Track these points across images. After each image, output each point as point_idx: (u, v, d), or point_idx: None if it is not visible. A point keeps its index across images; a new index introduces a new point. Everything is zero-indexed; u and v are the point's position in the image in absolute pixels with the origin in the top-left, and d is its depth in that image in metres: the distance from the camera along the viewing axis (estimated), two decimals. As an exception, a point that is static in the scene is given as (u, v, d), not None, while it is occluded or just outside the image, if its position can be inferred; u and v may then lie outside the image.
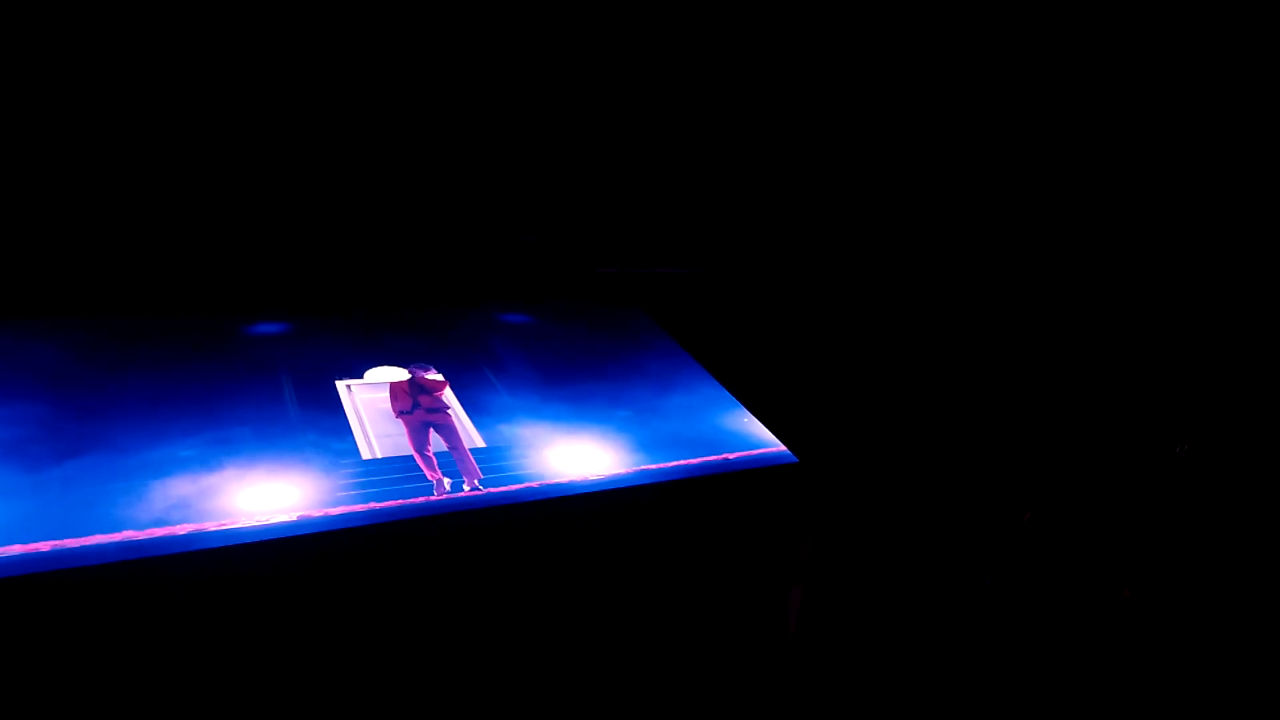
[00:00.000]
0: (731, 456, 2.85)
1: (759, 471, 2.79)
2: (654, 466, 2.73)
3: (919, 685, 2.83)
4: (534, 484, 2.55)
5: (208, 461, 2.34)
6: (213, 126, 2.95)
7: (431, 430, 2.71)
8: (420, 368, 2.95)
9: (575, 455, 2.73)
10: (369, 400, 2.79)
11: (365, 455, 2.55)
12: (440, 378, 2.94)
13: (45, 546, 1.93)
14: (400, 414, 2.74)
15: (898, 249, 4.16)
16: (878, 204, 4.07)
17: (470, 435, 2.74)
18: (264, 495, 2.27)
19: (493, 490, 2.50)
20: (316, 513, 2.26)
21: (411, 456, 2.59)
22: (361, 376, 2.90)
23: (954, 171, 4.01)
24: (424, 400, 2.82)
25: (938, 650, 3.03)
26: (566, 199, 3.61)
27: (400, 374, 2.94)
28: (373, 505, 2.33)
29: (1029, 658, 3.01)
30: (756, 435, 3.01)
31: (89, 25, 2.55)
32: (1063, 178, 3.92)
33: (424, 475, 2.51)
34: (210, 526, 2.12)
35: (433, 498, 2.42)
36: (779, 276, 4.08)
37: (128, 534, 2.01)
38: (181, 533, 2.06)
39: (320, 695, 2.04)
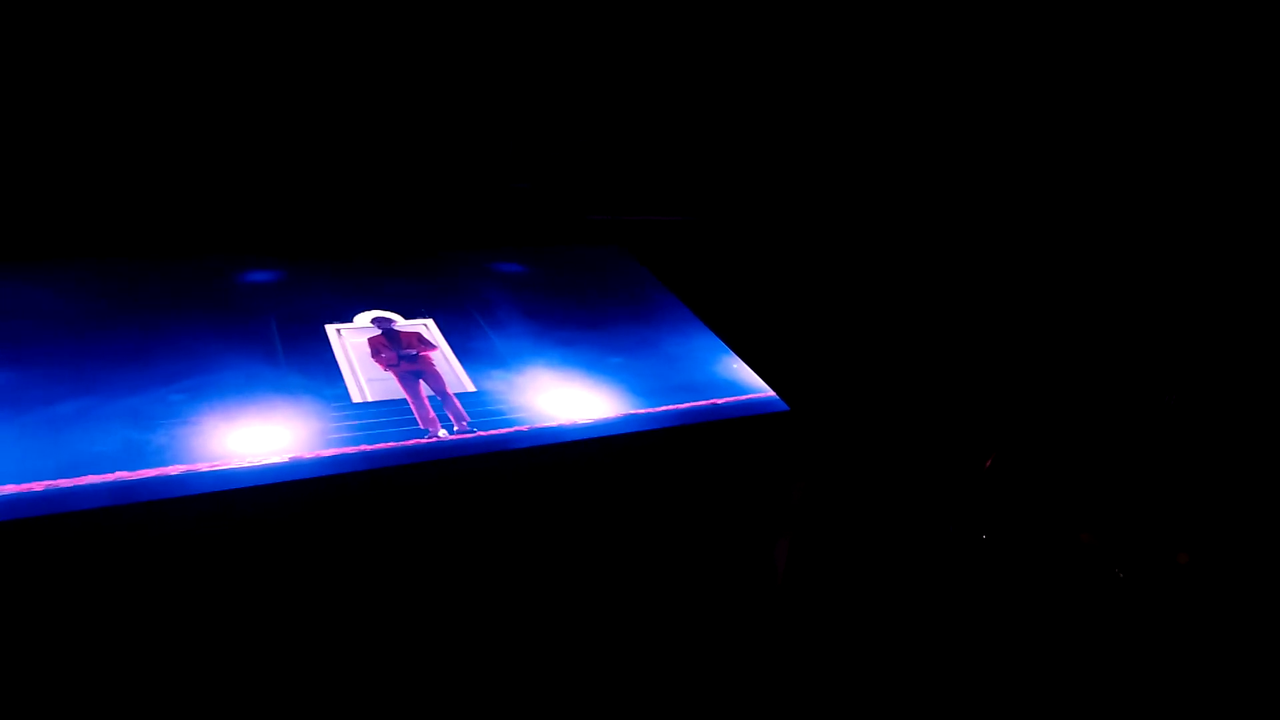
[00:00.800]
0: (721, 402, 2.87)
1: (749, 419, 2.81)
2: (644, 411, 2.74)
3: (903, 637, 2.89)
4: (523, 428, 2.57)
5: (198, 405, 2.35)
6: (211, 77, 2.90)
7: (420, 378, 2.72)
8: (386, 320, 2.94)
9: (566, 400, 2.74)
10: (359, 344, 2.79)
11: (356, 399, 2.56)
12: (413, 327, 2.93)
13: (38, 487, 1.95)
14: (387, 367, 2.75)
15: (889, 196, 4.13)
16: (869, 152, 4.03)
17: (460, 379, 2.75)
18: (255, 437, 2.29)
19: (481, 434, 2.53)
20: (308, 455, 2.28)
21: (402, 400, 2.60)
22: (352, 321, 2.90)
23: (943, 125, 3.96)
24: (403, 350, 2.83)
25: (918, 602, 3.10)
26: (558, 146, 3.56)
27: (388, 318, 2.94)
28: (364, 448, 2.36)
29: (998, 607, 3.08)
30: (747, 382, 3.03)
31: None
32: (1051, 140, 3.88)
33: (415, 420, 2.53)
34: (203, 467, 2.14)
35: (422, 440, 2.44)
36: (770, 224, 4.06)
37: (120, 474, 2.03)
38: (174, 473, 2.08)
39: (309, 640, 2.09)
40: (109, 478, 2.03)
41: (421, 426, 2.50)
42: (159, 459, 2.12)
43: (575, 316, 3.21)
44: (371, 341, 2.81)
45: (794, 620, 2.75)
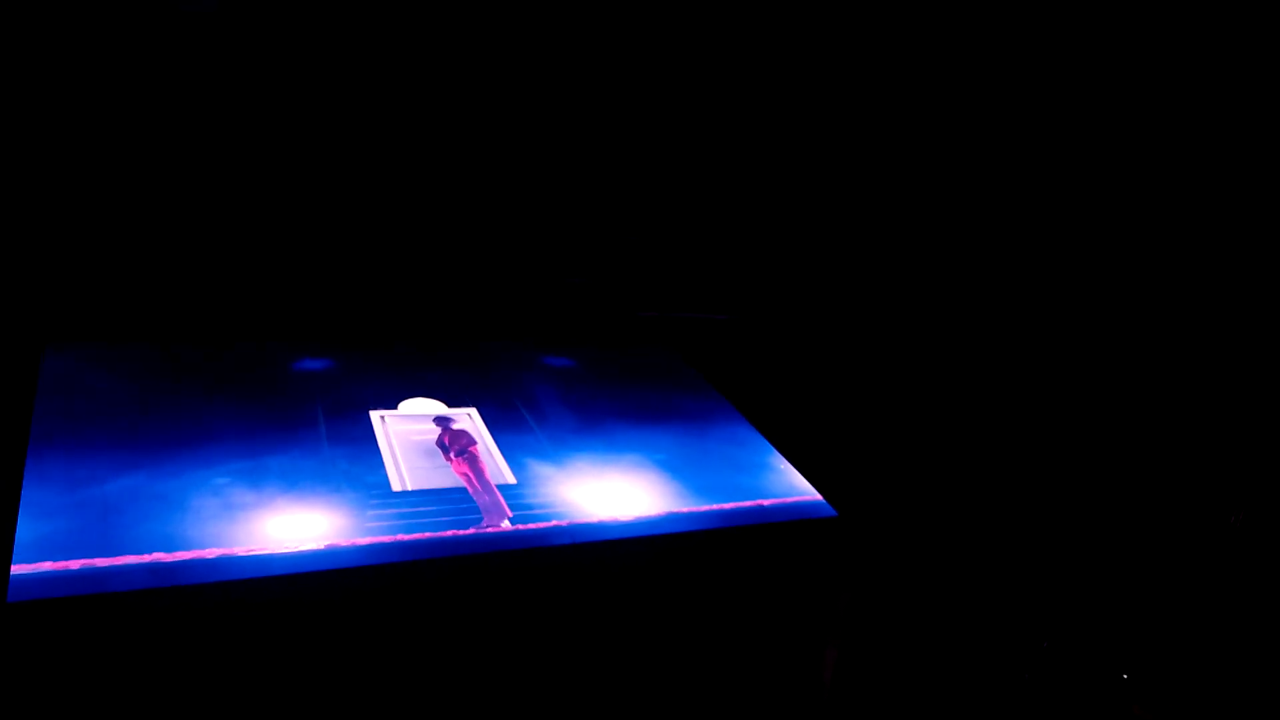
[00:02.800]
0: (767, 504, 2.78)
1: (795, 523, 2.71)
2: (688, 510, 2.67)
3: None
4: (562, 523, 2.51)
5: (241, 489, 2.35)
6: (267, 163, 3.04)
7: (473, 468, 2.69)
8: (446, 419, 2.93)
9: (608, 496, 2.68)
10: (402, 432, 2.79)
11: (396, 487, 2.53)
12: (465, 429, 2.92)
13: (74, 565, 1.93)
14: (446, 457, 2.73)
15: (937, 297, 4.10)
16: (916, 250, 4.03)
17: (502, 472, 2.72)
18: (294, 524, 2.27)
19: (521, 528, 2.47)
20: (344, 543, 2.24)
21: (441, 490, 2.57)
22: (396, 408, 2.91)
23: (985, 216, 3.96)
24: (459, 441, 2.82)
25: (974, 710, 2.90)
26: (610, 242, 3.63)
27: (433, 406, 2.94)
28: (401, 537, 2.31)
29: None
30: (794, 485, 2.94)
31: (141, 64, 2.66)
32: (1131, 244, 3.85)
33: (461, 509, 2.48)
34: (239, 551, 2.11)
35: (461, 532, 2.39)
36: (817, 324, 4.04)
37: (157, 555, 2.00)
38: (209, 556, 2.05)
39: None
40: (145, 559, 2.01)
41: (483, 515, 2.46)
42: (198, 542, 2.10)
43: (620, 412, 3.18)
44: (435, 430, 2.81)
45: None
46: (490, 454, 2.80)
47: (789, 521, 2.70)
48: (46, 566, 1.91)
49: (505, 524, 2.48)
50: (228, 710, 1.97)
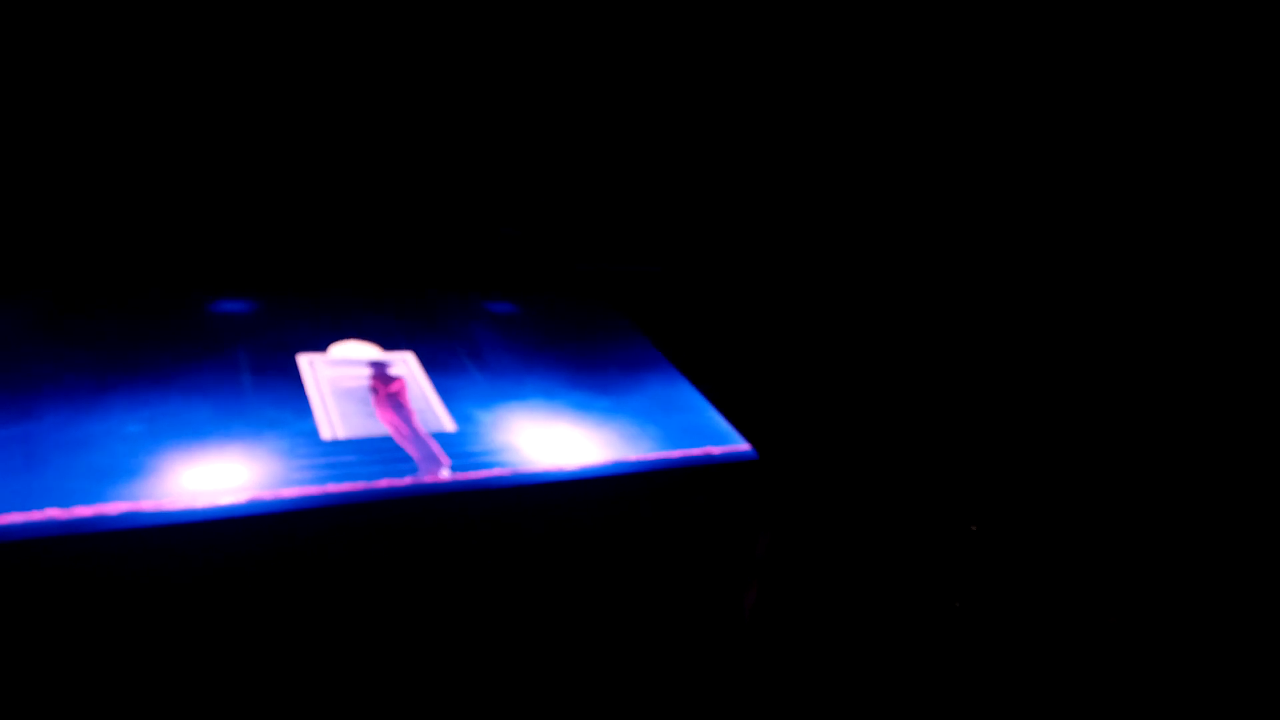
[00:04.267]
0: (695, 452, 2.71)
1: (722, 467, 2.67)
2: (621, 458, 2.58)
3: (872, 684, 2.85)
4: (505, 472, 2.40)
5: (154, 437, 2.17)
6: (194, 101, 2.79)
7: (404, 415, 2.55)
8: (381, 364, 2.78)
9: (543, 444, 2.57)
10: (333, 377, 2.63)
11: (326, 435, 2.38)
12: (400, 375, 2.77)
13: (-39, 523, 1.76)
14: (376, 403, 2.58)
15: (864, 247, 4.08)
16: (842, 203, 3.99)
17: (440, 419, 2.58)
18: (213, 475, 2.11)
19: (461, 477, 2.34)
20: (269, 494, 2.09)
21: (375, 439, 2.42)
22: (326, 351, 2.73)
23: (915, 168, 3.92)
24: (390, 386, 2.66)
25: (892, 651, 3.01)
26: (548, 194, 3.49)
27: (367, 350, 2.78)
28: (331, 488, 2.17)
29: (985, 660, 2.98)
30: (721, 430, 2.87)
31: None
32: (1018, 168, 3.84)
33: (397, 457, 2.35)
34: (151, 506, 1.95)
35: (395, 481, 2.26)
36: (746, 275, 3.99)
37: (51, 512, 1.84)
38: (113, 512, 1.89)
39: (249, 687, 1.89)
40: (48, 515, 1.84)
41: (418, 464, 2.33)
42: (100, 495, 1.93)
43: (554, 362, 3.06)
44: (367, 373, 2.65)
45: (759, 669, 2.68)
46: (428, 401, 2.65)
47: (716, 465, 2.65)
48: (-73, 525, 1.74)
49: (444, 473, 2.35)
50: (143, 672, 1.84)
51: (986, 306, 4.05)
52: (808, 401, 3.97)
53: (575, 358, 3.11)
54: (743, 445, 2.79)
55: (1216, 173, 3.35)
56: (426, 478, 2.31)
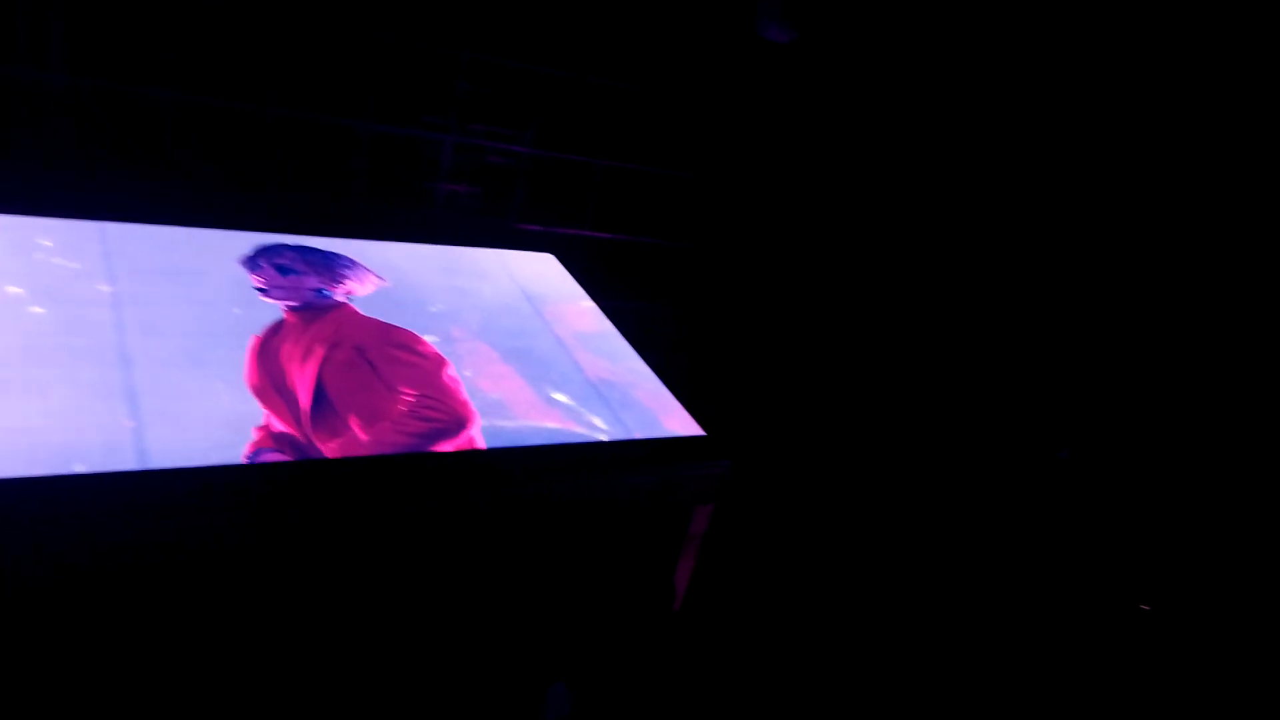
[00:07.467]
0: (638, 421, 2.56)
1: (665, 441, 2.51)
2: (563, 425, 2.36)
3: (802, 662, 3.06)
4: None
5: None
6: None
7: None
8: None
9: (485, 411, 2.30)
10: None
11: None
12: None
13: None
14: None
15: (817, 224, 4.02)
16: (798, 177, 3.90)
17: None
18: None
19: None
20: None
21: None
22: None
23: (868, 145, 3.91)
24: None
25: (820, 627, 3.27)
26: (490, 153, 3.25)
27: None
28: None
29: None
30: (665, 406, 2.71)
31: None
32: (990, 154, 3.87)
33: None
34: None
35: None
36: (699, 247, 3.88)
37: None
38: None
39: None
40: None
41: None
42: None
43: (494, 327, 2.79)
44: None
45: (689, 646, 2.86)
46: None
47: (659, 439, 2.50)
48: None
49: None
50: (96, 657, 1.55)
51: (936, 284, 4.08)
52: (754, 383, 4.01)
53: (524, 318, 2.85)
54: (692, 425, 2.67)
55: (1216, 173, 3.40)
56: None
